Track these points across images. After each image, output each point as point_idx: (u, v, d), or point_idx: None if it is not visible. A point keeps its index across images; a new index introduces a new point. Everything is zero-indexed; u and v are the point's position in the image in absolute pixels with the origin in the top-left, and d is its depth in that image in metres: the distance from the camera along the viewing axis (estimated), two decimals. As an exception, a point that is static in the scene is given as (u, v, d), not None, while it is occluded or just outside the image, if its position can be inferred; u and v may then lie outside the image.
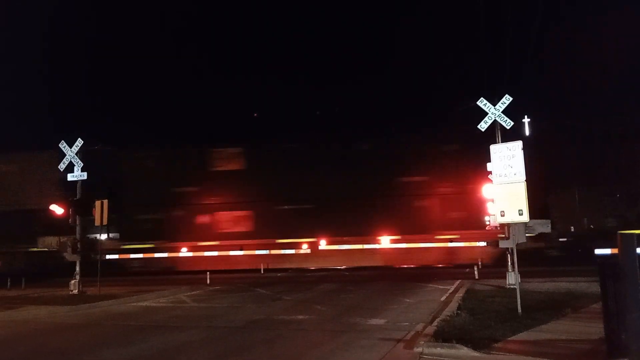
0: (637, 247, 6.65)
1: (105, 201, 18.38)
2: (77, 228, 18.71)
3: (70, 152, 19.12)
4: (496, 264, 21.72)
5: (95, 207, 18.29)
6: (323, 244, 30.36)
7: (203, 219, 32.86)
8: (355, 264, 29.44)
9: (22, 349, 9.77)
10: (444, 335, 8.63)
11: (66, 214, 18.56)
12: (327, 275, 25.33)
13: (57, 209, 18.50)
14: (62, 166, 19.17)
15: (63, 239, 18.74)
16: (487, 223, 17.30)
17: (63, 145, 19.28)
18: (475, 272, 20.16)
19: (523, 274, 15.24)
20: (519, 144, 10.86)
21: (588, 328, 8.86)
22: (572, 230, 29.25)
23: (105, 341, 10.16)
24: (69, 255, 18.59)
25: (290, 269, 29.03)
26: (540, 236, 18.58)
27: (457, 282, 18.58)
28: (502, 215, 10.81)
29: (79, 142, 19.17)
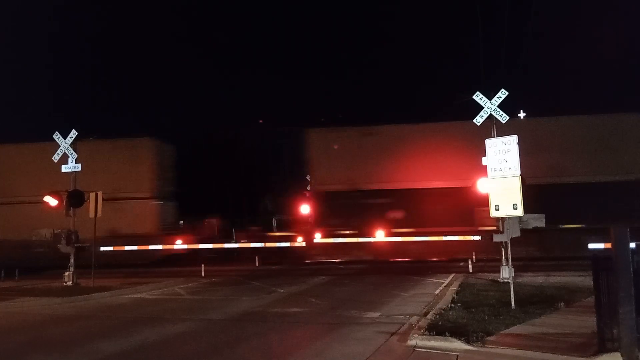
0: (630, 241, 6.69)
1: (100, 193, 18.33)
2: (73, 220, 18.65)
3: (65, 143, 18.99)
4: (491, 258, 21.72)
5: (89, 199, 18.29)
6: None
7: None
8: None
9: (16, 340, 9.76)
10: (438, 328, 8.68)
11: (60, 206, 18.43)
12: (321, 269, 25.36)
13: (52, 200, 18.36)
14: (56, 157, 19.06)
15: (57, 230, 18.62)
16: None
17: (57, 136, 19.14)
18: (470, 266, 20.24)
19: (517, 268, 15.35)
20: (514, 139, 10.88)
21: (581, 322, 8.93)
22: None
23: (100, 333, 10.15)
24: (63, 247, 18.52)
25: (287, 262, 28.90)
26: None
27: (452, 275, 18.64)
28: (497, 210, 10.86)
29: (73, 134, 19.02)
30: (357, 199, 28.13)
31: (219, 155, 36.25)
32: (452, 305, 11.21)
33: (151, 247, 29.27)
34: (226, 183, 34.07)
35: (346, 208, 28.28)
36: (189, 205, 32.40)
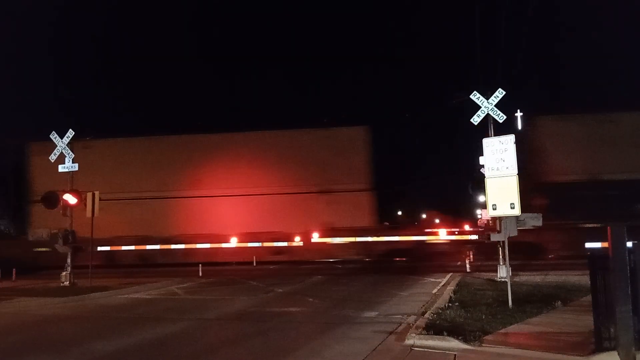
0: (627, 240, 6.69)
1: (97, 192, 18.28)
2: (70, 219, 18.59)
3: (62, 143, 18.93)
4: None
5: (86, 199, 18.24)
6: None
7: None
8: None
9: (12, 340, 9.72)
10: (435, 327, 8.67)
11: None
12: (318, 268, 25.35)
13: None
14: (52, 157, 18.99)
15: (54, 230, 18.57)
16: (479, 217, 17.22)
17: (54, 136, 19.08)
18: (467, 265, 20.27)
19: (514, 267, 15.35)
20: (511, 138, 10.89)
21: (578, 321, 8.95)
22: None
23: (96, 333, 10.12)
24: (60, 247, 18.48)
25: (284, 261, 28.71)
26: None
27: (449, 275, 18.66)
28: (494, 209, 10.86)
29: (70, 133, 18.95)
30: (598, 190, 25.06)
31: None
32: (450, 304, 11.21)
33: (148, 247, 29.02)
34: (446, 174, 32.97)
35: (584, 200, 25.08)
36: (401, 197, 31.75)
